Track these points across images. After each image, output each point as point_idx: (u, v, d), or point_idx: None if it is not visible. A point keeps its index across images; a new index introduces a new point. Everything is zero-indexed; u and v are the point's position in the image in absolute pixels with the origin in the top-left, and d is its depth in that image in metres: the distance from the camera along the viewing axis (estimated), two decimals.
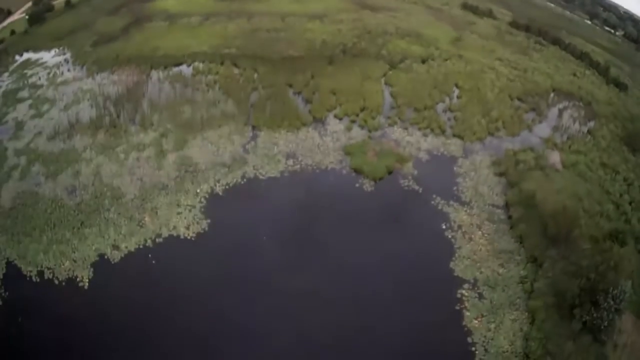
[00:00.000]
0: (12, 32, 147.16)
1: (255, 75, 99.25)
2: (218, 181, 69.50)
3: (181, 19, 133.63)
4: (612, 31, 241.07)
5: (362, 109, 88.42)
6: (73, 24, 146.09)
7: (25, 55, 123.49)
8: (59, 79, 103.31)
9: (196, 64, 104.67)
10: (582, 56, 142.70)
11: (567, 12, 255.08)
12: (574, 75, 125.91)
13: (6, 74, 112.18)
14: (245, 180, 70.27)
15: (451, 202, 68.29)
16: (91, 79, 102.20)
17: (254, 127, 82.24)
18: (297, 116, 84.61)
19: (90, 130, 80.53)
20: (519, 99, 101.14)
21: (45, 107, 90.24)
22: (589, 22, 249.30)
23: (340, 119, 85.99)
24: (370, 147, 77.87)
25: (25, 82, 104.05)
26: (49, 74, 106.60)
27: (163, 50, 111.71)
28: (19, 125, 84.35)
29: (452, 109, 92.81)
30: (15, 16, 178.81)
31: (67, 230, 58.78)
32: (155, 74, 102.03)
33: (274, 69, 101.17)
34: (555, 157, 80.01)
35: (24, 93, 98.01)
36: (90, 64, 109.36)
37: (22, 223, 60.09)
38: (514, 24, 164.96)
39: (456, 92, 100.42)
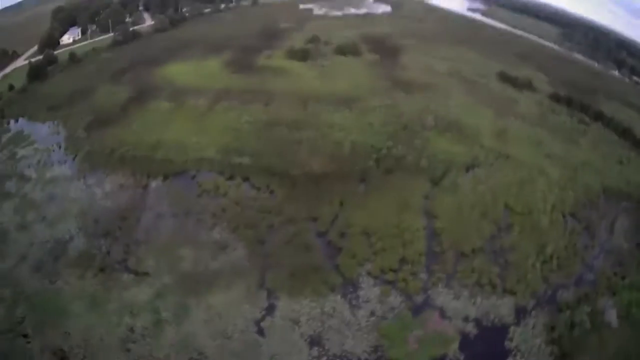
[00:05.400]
0: (11, 87, 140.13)
1: (272, 201, 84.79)
2: None
3: (188, 99, 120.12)
4: None
5: (401, 260, 74.44)
6: (73, 87, 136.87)
7: (20, 123, 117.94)
8: (48, 174, 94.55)
9: (201, 178, 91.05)
10: (625, 133, 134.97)
11: (596, 65, 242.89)
12: (620, 162, 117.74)
13: None
14: None
15: None
16: (82, 182, 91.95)
17: (269, 292, 68.51)
18: (323, 276, 70.76)
19: (78, 270, 71.24)
20: (572, 215, 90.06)
21: (31, 215, 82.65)
22: (617, 73, 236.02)
23: (376, 277, 71.77)
24: (411, 330, 64.43)
25: (15, 167, 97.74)
26: (38, 162, 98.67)
27: (164, 148, 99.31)
28: (3, 236, 78.10)
29: (503, 246, 79.81)
30: (19, 62, 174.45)
31: None
32: (153, 185, 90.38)
33: (294, 191, 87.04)
34: (612, 315, 71.00)
35: (11, 185, 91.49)
36: (82, 158, 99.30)
37: None
38: (554, 97, 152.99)
39: (507, 217, 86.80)
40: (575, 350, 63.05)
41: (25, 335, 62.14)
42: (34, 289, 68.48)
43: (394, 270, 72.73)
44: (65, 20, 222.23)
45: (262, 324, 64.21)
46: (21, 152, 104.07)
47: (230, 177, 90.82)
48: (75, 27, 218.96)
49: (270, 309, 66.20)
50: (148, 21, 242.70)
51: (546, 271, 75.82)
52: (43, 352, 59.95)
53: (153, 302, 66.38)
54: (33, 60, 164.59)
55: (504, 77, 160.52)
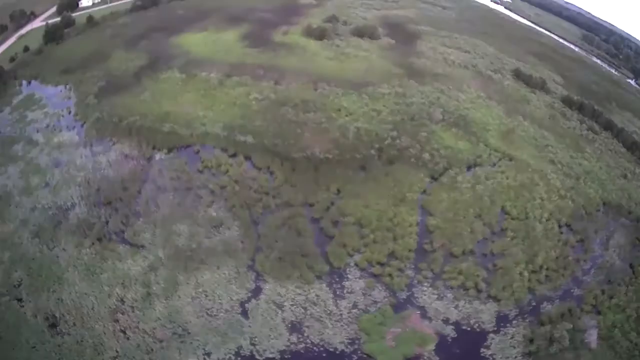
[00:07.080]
0: (26, 49, 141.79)
1: (271, 183, 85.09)
2: (208, 355, 60.48)
3: (200, 71, 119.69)
4: None
5: (390, 254, 75.08)
6: (88, 50, 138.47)
7: (32, 85, 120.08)
8: (56, 139, 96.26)
9: (205, 154, 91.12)
10: (633, 147, 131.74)
11: (614, 72, 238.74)
12: (625, 177, 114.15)
13: (8, 109, 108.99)
14: (239, 358, 60.31)
15: None
16: (88, 149, 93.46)
17: (257, 274, 70.25)
18: (311, 263, 72.15)
19: (76, 238, 73.71)
20: (568, 226, 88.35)
21: (36, 180, 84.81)
22: (632, 82, 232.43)
23: (363, 269, 72.75)
24: (390, 327, 65.88)
25: (23, 130, 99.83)
26: (47, 126, 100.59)
27: (172, 120, 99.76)
28: (6, 199, 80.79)
29: (494, 251, 79.56)
30: (37, 22, 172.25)
31: None
32: (157, 157, 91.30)
33: (294, 174, 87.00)
34: (592, 335, 70.08)
35: (18, 149, 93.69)
36: (90, 124, 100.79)
37: (6, 351, 58.32)
38: (567, 101, 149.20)
39: (502, 220, 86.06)
40: None
41: (19, 299, 65.13)
42: (32, 254, 71.25)
43: (382, 264, 73.56)
44: None
45: (246, 305, 66.28)
46: (31, 116, 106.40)
47: (233, 155, 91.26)
48: None
49: (256, 292, 68.14)
50: None
51: (534, 281, 75.59)
52: (35, 316, 63.00)
53: (145, 275, 68.80)
54: (50, 22, 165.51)
55: (519, 75, 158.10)
